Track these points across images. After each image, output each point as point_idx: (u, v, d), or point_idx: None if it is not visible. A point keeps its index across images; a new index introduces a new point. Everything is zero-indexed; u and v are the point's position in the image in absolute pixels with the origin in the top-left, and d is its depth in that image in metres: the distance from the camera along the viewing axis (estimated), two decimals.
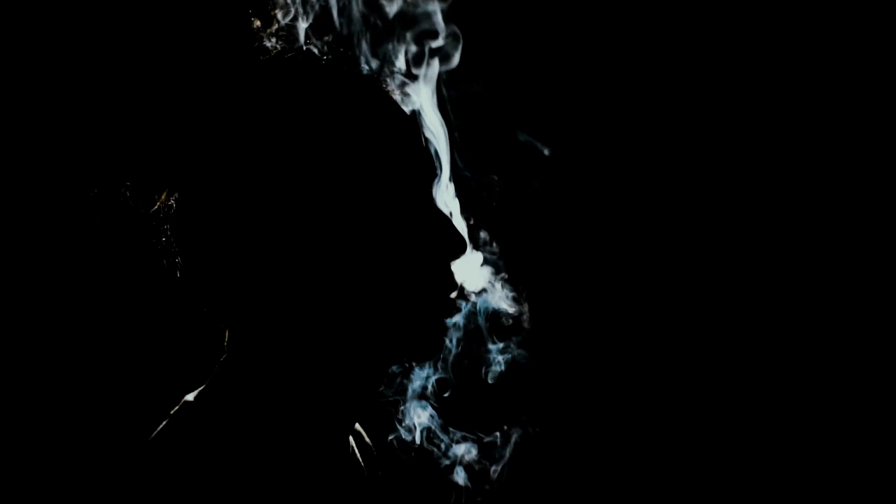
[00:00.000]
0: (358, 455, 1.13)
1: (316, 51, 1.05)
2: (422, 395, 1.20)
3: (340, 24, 1.07)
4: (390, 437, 1.23)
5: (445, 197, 1.10)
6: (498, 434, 1.27)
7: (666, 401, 2.50)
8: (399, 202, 1.00)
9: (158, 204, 1.03)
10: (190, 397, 1.01)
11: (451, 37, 1.07)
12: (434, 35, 1.07)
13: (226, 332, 1.04)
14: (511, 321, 1.22)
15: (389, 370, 1.14)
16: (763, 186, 2.48)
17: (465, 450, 1.26)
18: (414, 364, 1.18)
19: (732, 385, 2.49)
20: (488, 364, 1.23)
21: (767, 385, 2.48)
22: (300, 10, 1.06)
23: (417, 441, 1.22)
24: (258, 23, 1.05)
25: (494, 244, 1.20)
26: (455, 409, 1.24)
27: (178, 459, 0.94)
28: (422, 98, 1.07)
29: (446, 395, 1.21)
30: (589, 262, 2.48)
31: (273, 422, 0.99)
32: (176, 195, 1.02)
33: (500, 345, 1.23)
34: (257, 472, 0.95)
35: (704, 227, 2.51)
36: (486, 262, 1.19)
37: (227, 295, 1.00)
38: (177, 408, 1.01)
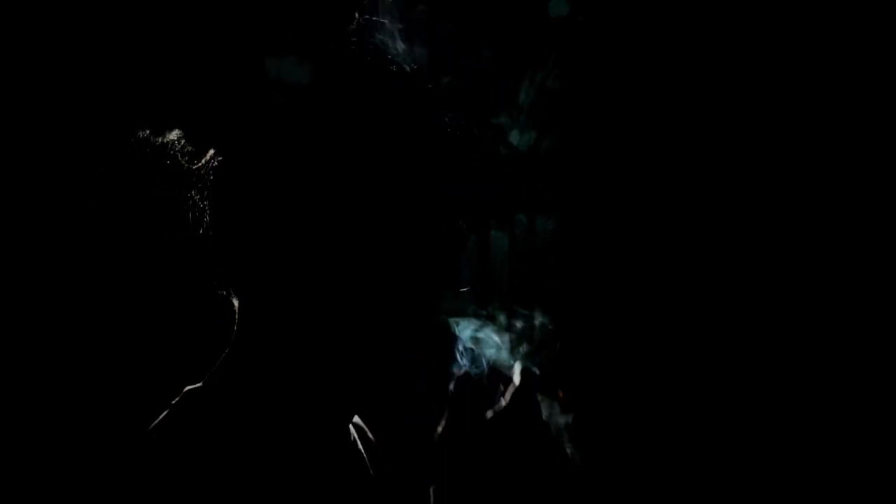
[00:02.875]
0: (361, 449, 1.13)
1: (391, 58, 1.04)
2: (426, 392, 1.20)
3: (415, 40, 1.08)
4: (393, 432, 1.23)
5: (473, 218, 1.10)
6: (505, 434, 1.26)
7: (666, 402, 2.50)
8: (432, 216, 1.01)
9: (202, 161, 1.04)
10: (192, 387, 1.01)
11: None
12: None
13: (234, 322, 1.04)
14: (520, 330, 1.21)
15: (394, 368, 1.13)
16: (763, 186, 2.48)
17: (469, 446, 1.25)
18: (420, 362, 1.18)
19: (732, 385, 2.49)
20: (495, 367, 1.22)
21: (767, 385, 2.48)
22: (387, 16, 1.07)
23: (421, 436, 1.22)
24: (350, 16, 1.04)
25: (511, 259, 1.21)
26: (460, 408, 1.23)
27: (178, 450, 0.93)
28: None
29: (451, 393, 1.21)
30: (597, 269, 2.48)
31: (275, 415, 0.99)
32: (220, 158, 1.02)
33: (510, 351, 1.22)
34: (258, 465, 0.95)
35: (704, 227, 2.51)
36: (502, 278, 1.19)
37: (242, 271, 1.01)
38: (178, 398, 1.01)
